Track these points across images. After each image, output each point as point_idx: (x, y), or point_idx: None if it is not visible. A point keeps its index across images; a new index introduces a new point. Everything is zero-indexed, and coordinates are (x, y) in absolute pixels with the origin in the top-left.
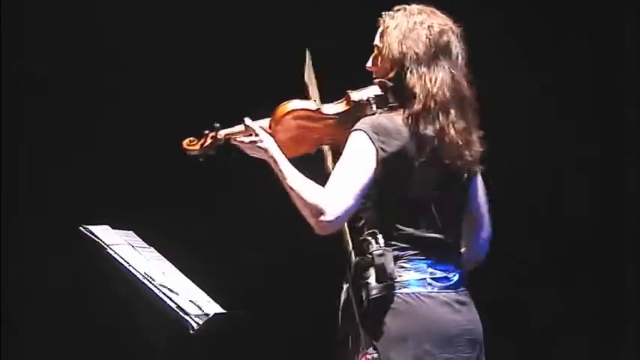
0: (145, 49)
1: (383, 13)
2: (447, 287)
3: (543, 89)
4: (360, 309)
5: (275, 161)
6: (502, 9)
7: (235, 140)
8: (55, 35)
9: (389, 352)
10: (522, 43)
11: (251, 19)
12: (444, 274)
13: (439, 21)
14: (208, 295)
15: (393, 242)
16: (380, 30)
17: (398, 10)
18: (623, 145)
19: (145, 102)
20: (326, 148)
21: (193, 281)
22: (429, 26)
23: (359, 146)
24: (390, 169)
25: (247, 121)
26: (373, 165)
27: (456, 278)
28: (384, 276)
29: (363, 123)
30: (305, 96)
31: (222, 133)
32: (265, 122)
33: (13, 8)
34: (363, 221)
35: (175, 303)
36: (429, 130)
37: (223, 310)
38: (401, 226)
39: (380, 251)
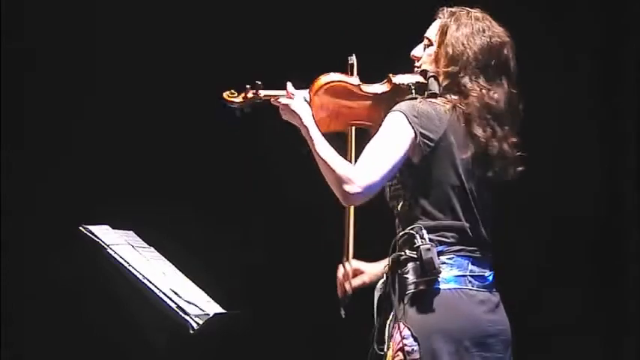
0: (150, 47)
1: (442, 7)
2: (483, 286)
3: (545, 87)
4: (398, 303)
5: (306, 128)
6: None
7: (274, 101)
8: (56, 32)
9: (430, 345)
10: (522, 39)
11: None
12: (481, 273)
13: (500, 33)
14: (208, 295)
15: (436, 236)
16: (438, 24)
17: (459, 10)
18: (623, 144)
19: (145, 102)
20: (352, 131)
21: (193, 281)
22: (491, 36)
23: (396, 126)
24: (430, 155)
25: (289, 85)
26: (407, 147)
27: (490, 278)
28: (429, 271)
29: (403, 106)
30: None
31: (262, 93)
32: (305, 92)
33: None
34: (401, 213)
35: (175, 303)
36: (479, 134)
37: (223, 310)
38: (443, 218)
39: (427, 246)
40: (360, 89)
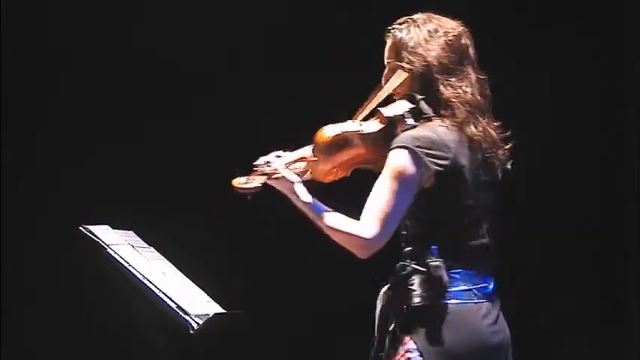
0: (150, 49)
1: (389, 28)
2: (486, 296)
3: (541, 87)
4: (402, 314)
5: (303, 203)
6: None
7: (269, 180)
8: (54, 34)
9: None
10: (519, 41)
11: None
12: (484, 284)
13: (451, 25)
14: (208, 295)
15: (445, 252)
16: (390, 45)
17: (404, 22)
18: (621, 145)
19: (145, 102)
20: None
21: (193, 281)
22: (445, 32)
23: (399, 165)
24: (442, 179)
25: (277, 162)
26: (413, 182)
27: (492, 287)
28: (438, 287)
29: (404, 138)
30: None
31: (268, 169)
32: (307, 150)
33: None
34: (411, 230)
35: (175, 303)
36: (475, 135)
37: (223, 310)
38: (453, 236)
39: (437, 263)
40: (359, 133)
